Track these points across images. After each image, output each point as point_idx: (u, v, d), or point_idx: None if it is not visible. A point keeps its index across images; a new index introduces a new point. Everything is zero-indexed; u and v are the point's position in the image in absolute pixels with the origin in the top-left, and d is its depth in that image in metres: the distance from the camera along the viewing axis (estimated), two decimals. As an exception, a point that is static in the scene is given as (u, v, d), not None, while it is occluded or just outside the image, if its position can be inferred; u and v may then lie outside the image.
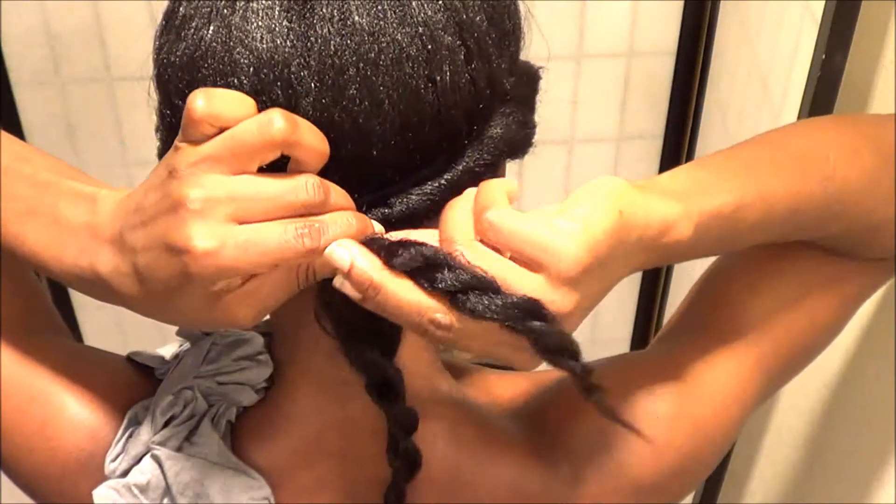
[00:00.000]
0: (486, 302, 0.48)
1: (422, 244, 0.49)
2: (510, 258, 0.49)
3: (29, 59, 1.35)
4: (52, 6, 1.31)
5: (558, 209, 0.50)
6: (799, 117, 0.92)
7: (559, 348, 0.49)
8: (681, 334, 0.67)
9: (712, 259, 0.70)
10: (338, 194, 0.51)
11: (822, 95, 0.88)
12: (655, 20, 1.41)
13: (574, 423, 0.63)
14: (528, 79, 0.58)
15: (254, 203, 0.48)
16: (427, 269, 0.48)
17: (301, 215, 0.49)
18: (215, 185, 0.48)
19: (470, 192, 0.52)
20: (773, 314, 0.65)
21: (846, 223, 0.63)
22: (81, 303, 1.55)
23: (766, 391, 0.67)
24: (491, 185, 0.51)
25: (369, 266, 0.48)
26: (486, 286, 0.48)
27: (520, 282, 0.48)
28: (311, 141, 0.49)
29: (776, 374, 0.67)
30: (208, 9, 0.52)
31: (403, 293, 0.48)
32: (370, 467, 0.61)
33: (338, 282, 0.50)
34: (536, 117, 0.59)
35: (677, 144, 1.51)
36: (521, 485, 0.62)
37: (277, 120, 0.48)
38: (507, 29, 0.55)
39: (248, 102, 0.49)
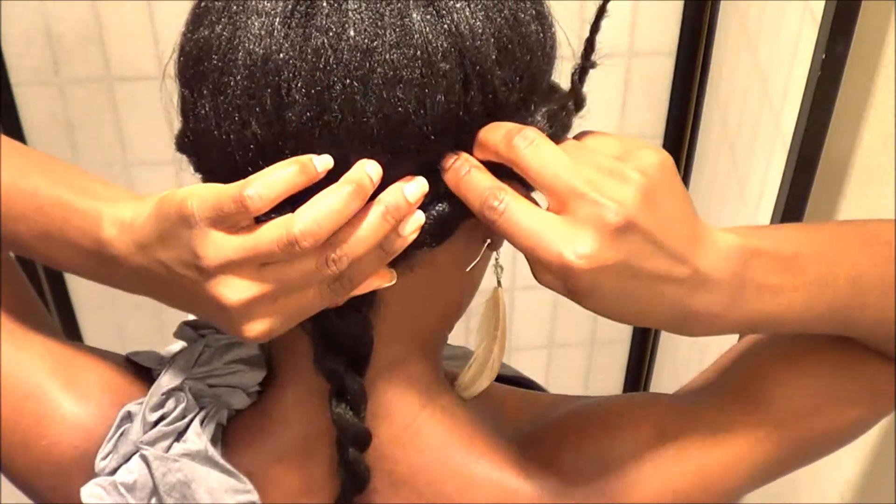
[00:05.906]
0: None
1: None
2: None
3: (29, 59, 1.35)
4: (52, 6, 1.31)
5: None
6: (799, 117, 0.92)
7: None
8: (708, 390, 0.67)
9: None
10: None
11: (822, 95, 0.88)
12: (655, 20, 1.41)
13: (569, 445, 0.63)
14: (557, 118, 0.57)
15: (288, 286, 0.51)
16: None
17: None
18: (249, 289, 0.51)
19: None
20: (805, 398, 0.64)
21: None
22: (81, 303, 1.55)
23: (782, 464, 0.67)
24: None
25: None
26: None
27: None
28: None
29: (797, 452, 0.66)
30: (222, 4, 0.52)
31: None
32: None
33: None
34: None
35: (677, 144, 1.51)
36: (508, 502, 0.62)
37: (301, 241, 0.49)
38: (523, 62, 0.54)
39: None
